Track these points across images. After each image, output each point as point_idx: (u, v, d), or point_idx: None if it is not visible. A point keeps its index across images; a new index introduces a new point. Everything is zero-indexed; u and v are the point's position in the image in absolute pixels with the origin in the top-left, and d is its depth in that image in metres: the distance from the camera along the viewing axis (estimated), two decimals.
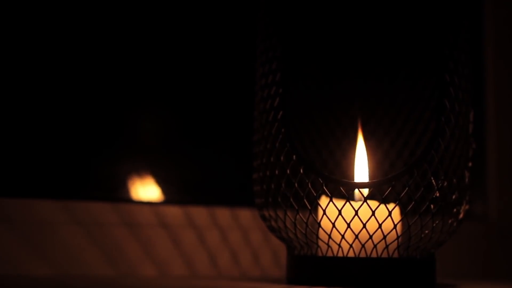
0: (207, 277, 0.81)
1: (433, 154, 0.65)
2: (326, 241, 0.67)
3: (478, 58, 1.09)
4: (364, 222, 0.65)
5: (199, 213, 0.83)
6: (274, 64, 0.68)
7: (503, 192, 1.08)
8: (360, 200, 0.67)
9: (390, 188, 0.64)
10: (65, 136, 0.79)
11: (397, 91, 0.80)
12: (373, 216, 0.65)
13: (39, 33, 0.79)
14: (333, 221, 0.66)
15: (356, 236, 0.65)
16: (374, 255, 0.66)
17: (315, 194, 0.65)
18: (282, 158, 0.67)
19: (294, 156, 0.66)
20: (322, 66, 0.81)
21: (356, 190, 0.68)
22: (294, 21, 0.73)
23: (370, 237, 0.65)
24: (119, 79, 0.83)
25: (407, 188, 0.65)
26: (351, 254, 0.66)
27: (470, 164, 0.70)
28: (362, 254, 0.66)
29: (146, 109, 0.86)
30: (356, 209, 0.65)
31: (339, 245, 0.66)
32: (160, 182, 0.85)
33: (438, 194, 0.66)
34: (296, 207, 0.66)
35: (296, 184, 0.66)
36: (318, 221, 0.67)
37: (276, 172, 0.67)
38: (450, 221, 0.68)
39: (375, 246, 0.65)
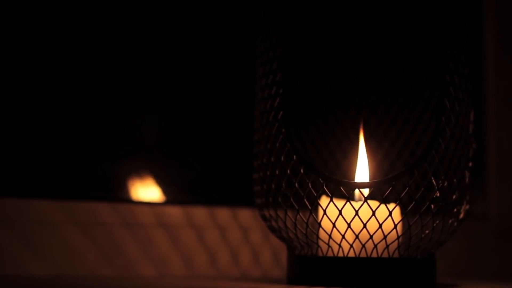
0: (207, 277, 0.81)
1: (434, 154, 0.65)
2: (327, 241, 0.67)
3: (478, 58, 1.09)
4: (365, 222, 0.65)
5: (199, 213, 0.83)
6: (274, 64, 0.68)
7: (503, 192, 1.08)
8: (360, 200, 0.67)
9: (390, 188, 0.64)
10: (64, 135, 0.79)
11: (397, 91, 0.80)
12: (373, 216, 0.65)
13: (39, 32, 0.79)
14: (333, 221, 0.66)
15: (357, 236, 0.65)
16: (374, 255, 0.66)
17: (315, 194, 0.65)
18: (282, 158, 0.66)
19: (294, 156, 0.66)
20: (322, 66, 0.81)
21: (357, 190, 0.68)
22: (294, 21, 0.73)
23: (371, 237, 0.65)
24: (119, 78, 0.83)
25: (407, 188, 0.65)
26: (351, 254, 0.66)
27: (470, 164, 0.70)
28: (363, 254, 0.66)
29: (146, 108, 0.86)
30: (357, 209, 0.65)
31: (340, 245, 0.66)
32: (160, 182, 0.85)
33: (438, 194, 0.66)
34: (297, 207, 0.66)
35: (296, 184, 0.66)
36: (319, 221, 0.67)
37: (277, 172, 0.67)
38: (450, 221, 0.68)
39: (375, 246, 0.65)
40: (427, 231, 0.66)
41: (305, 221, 0.66)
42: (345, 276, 0.66)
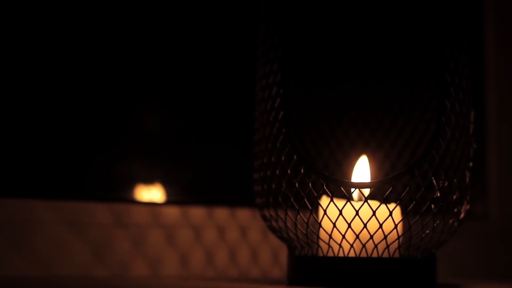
0: (206, 277, 0.81)
1: (434, 154, 0.65)
2: (327, 241, 0.67)
3: (478, 58, 1.09)
4: (365, 222, 0.65)
5: (198, 212, 0.83)
6: (275, 65, 0.68)
7: (503, 192, 1.08)
8: (361, 200, 0.67)
9: (391, 188, 0.64)
10: (62, 135, 0.79)
11: (397, 92, 0.80)
12: (374, 216, 0.65)
13: (39, 32, 0.79)
14: (334, 221, 0.66)
15: (357, 236, 0.65)
16: (375, 255, 0.66)
17: (316, 194, 0.65)
18: (283, 158, 0.67)
19: (295, 156, 0.66)
20: (323, 66, 0.81)
21: (357, 190, 0.68)
22: (295, 21, 0.73)
23: (371, 237, 0.65)
24: (119, 78, 0.83)
25: (408, 188, 0.65)
26: (352, 254, 0.66)
27: (471, 164, 0.70)
28: (363, 254, 0.66)
29: (145, 109, 0.86)
30: (357, 209, 0.65)
31: (340, 245, 0.66)
32: (158, 181, 0.85)
33: (439, 194, 0.66)
34: (297, 207, 0.66)
35: (297, 184, 0.66)
36: (319, 221, 0.67)
37: (277, 172, 0.67)
38: (451, 221, 0.68)
39: (376, 246, 0.65)
40: (427, 231, 0.66)
41: (306, 221, 0.66)
42: (345, 276, 0.66)
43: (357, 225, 0.65)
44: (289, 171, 0.66)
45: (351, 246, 0.66)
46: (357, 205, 0.65)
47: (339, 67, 0.81)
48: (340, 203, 0.65)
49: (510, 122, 1.10)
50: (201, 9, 0.88)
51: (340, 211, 0.65)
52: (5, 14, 0.77)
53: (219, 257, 0.84)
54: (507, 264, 1.06)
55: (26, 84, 0.78)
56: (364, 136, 0.80)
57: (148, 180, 0.84)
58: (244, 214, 0.86)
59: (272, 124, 0.67)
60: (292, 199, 0.66)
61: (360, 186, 0.66)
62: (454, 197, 0.67)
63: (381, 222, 0.65)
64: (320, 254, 0.67)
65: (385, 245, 0.65)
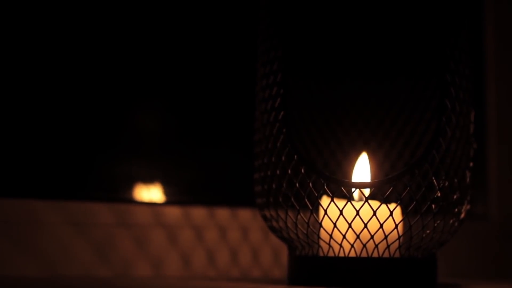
0: (207, 277, 0.81)
1: (434, 154, 0.65)
2: (328, 241, 0.67)
3: (479, 58, 1.09)
4: (366, 222, 0.65)
5: (199, 213, 0.83)
6: (275, 65, 0.68)
7: (504, 192, 1.08)
8: (361, 200, 0.67)
9: (391, 188, 0.64)
10: (63, 135, 0.79)
11: (398, 92, 0.80)
12: (374, 216, 0.65)
13: (39, 32, 0.79)
14: (334, 221, 0.66)
15: (358, 236, 0.65)
16: (375, 255, 0.66)
17: (316, 194, 0.65)
18: (283, 158, 0.67)
19: (295, 156, 0.66)
20: (323, 67, 0.81)
21: (357, 190, 0.68)
22: (295, 21, 0.73)
23: (372, 237, 0.65)
24: (118, 78, 0.83)
25: (408, 188, 0.65)
26: (352, 254, 0.66)
27: (471, 164, 0.70)
28: (364, 254, 0.66)
29: (146, 108, 0.86)
30: (358, 209, 0.65)
31: (341, 245, 0.66)
32: (160, 182, 0.85)
33: (439, 194, 0.66)
34: (297, 207, 0.66)
35: (297, 184, 0.66)
36: (319, 221, 0.67)
37: (278, 172, 0.67)
38: (451, 221, 0.68)
39: (376, 246, 0.65)
40: (428, 231, 0.66)
41: (306, 221, 0.66)
42: (346, 276, 0.66)
43: (357, 225, 0.65)
44: (289, 171, 0.66)
45: (352, 246, 0.66)
46: (357, 205, 0.65)
47: (340, 67, 0.81)
48: (340, 203, 0.65)
49: (510, 122, 1.10)
50: (201, 9, 0.88)
51: (341, 211, 0.65)
52: (6, 14, 0.77)
53: (220, 257, 0.84)
54: (507, 264, 1.06)
55: (30, 88, 0.78)
56: (365, 136, 0.80)
57: (150, 181, 0.84)
58: (245, 214, 0.86)
59: (273, 124, 0.67)
60: (292, 199, 0.66)
61: (360, 186, 0.66)
62: (455, 197, 0.67)
63: (381, 222, 0.65)
64: (321, 254, 0.67)
65: (385, 245, 0.65)
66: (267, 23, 0.69)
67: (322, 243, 0.67)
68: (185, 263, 0.82)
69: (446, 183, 0.66)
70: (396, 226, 0.65)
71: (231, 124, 0.89)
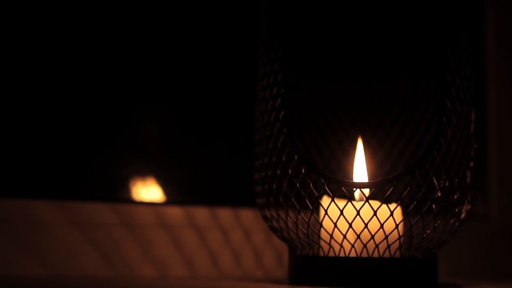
0: (209, 277, 0.81)
1: (435, 154, 0.65)
2: (328, 241, 0.67)
3: (479, 58, 1.09)
4: (366, 222, 0.65)
5: (201, 213, 0.83)
6: (275, 65, 0.68)
7: (504, 192, 1.08)
8: (361, 200, 0.67)
9: (391, 188, 0.64)
10: (64, 135, 0.79)
11: (398, 92, 0.80)
12: (375, 216, 0.65)
13: (39, 32, 0.79)
14: (335, 221, 0.66)
15: (358, 236, 0.65)
16: (376, 255, 0.66)
17: (316, 194, 0.65)
18: (283, 158, 0.67)
19: (296, 156, 0.66)
20: (323, 66, 0.81)
21: (358, 190, 0.68)
22: (295, 21, 0.73)
23: (372, 237, 0.65)
24: (119, 78, 0.83)
25: (409, 188, 0.65)
26: (353, 254, 0.66)
27: (471, 164, 0.70)
28: (364, 254, 0.66)
29: (147, 108, 0.86)
30: (358, 209, 0.65)
31: (341, 245, 0.66)
32: (161, 182, 0.85)
33: (439, 194, 0.66)
34: (298, 207, 0.66)
35: (297, 184, 0.66)
36: (320, 221, 0.67)
37: (278, 172, 0.67)
38: (452, 221, 0.68)
39: (377, 246, 0.65)
40: (428, 231, 0.66)
41: (307, 221, 0.66)
42: (346, 276, 0.66)
43: (358, 225, 0.65)
44: (290, 171, 0.66)
45: (352, 246, 0.66)
46: (358, 205, 0.65)
47: (340, 66, 0.81)
48: (341, 203, 0.65)
49: (511, 122, 1.10)
50: (201, 9, 0.88)
51: (341, 211, 0.65)
52: (6, 14, 0.77)
53: (222, 258, 0.84)
54: (508, 264, 1.06)
55: (31, 88, 0.78)
56: (365, 136, 0.80)
57: (151, 180, 0.84)
58: (247, 215, 0.86)
59: (273, 124, 0.67)
60: (293, 199, 0.66)
61: (361, 186, 0.66)
62: (455, 197, 0.67)
63: (382, 222, 0.65)
64: (321, 254, 0.67)
65: (386, 245, 0.65)
66: (267, 23, 0.69)
67: (322, 243, 0.67)
68: (187, 263, 0.82)
69: (447, 183, 0.66)
70: (397, 226, 0.65)
71: (232, 124, 0.89)
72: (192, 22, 0.87)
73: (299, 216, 0.67)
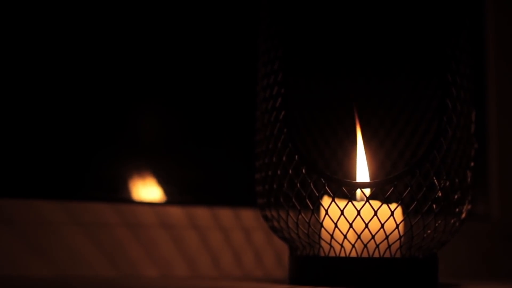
0: (209, 277, 0.81)
1: (435, 154, 0.65)
2: (329, 241, 0.67)
3: (479, 57, 1.09)
4: (367, 222, 0.65)
5: (201, 213, 0.83)
6: (276, 64, 0.68)
7: (505, 192, 1.08)
8: (362, 200, 0.67)
9: (392, 188, 0.64)
10: (65, 136, 0.79)
11: (399, 91, 0.80)
12: (375, 216, 0.65)
13: (38, 32, 0.79)
14: (335, 221, 0.66)
15: (359, 236, 0.65)
16: (376, 255, 0.66)
17: (317, 194, 0.65)
18: (284, 158, 0.67)
19: (296, 156, 0.66)
20: (324, 66, 0.81)
21: (358, 190, 0.68)
22: (296, 21, 0.73)
23: (373, 237, 0.65)
24: (120, 78, 0.83)
25: (409, 188, 0.65)
26: (353, 254, 0.66)
27: (472, 164, 0.70)
28: (365, 254, 0.66)
29: (148, 108, 0.86)
30: (359, 209, 0.65)
31: (342, 245, 0.66)
32: (162, 182, 0.85)
33: (440, 194, 0.66)
34: (298, 207, 0.66)
35: (298, 184, 0.66)
36: (321, 221, 0.67)
37: (278, 172, 0.67)
38: (452, 221, 0.68)
39: (377, 246, 0.65)
40: (429, 231, 0.66)
41: (307, 221, 0.66)
42: (347, 276, 0.66)
43: (358, 225, 0.65)
44: (290, 171, 0.66)
45: (353, 246, 0.66)
46: (358, 205, 0.65)
47: (341, 66, 0.81)
48: (341, 203, 0.65)
49: (511, 121, 1.10)
50: (201, 9, 0.88)
51: (342, 211, 0.65)
52: (5, 14, 0.77)
53: (223, 258, 0.84)
54: (508, 264, 1.06)
55: (33, 89, 0.78)
56: (366, 136, 0.80)
57: (152, 181, 0.84)
58: (248, 215, 0.86)
59: (273, 124, 0.67)
60: (293, 199, 0.66)
61: (361, 186, 0.66)
62: (456, 197, 0.67)
63: (382, 222, 0.65)
64: (322, 254, 0.67)
65: (386, 245, 0.65)
66: (267, 23, 0.69)
67: (323, 243, 0.67)
68: (188, 263, 0.82)
69: (447, 183, 0.66)
70: (397, 226, 0.65)
71: (233, 124, 0.89)
72: (192, 21, 0.87)
73: (300, 216, 0.67)
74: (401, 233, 0.66)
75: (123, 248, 0.79)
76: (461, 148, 0.67)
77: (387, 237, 0.65)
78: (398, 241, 0.66)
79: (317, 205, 0.67)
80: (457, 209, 0.68)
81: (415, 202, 0.65)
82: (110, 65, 0.82)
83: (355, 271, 0.66)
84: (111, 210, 0.79)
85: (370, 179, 0.72)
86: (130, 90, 0.83)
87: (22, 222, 0.74)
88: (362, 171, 0.72)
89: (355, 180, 0.72)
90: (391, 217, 0.65)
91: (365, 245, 0.65)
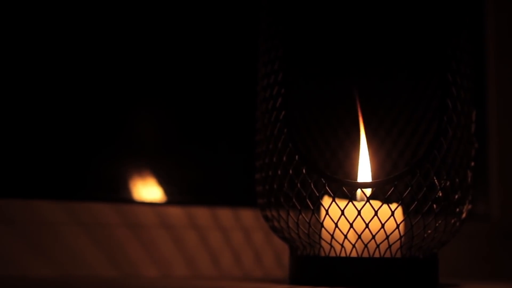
0: (209, 277, 0.81)
1: (436, 154, 0.65)
2: (329, 241, 0.67)
3: (480, 57, 1.09)
4: (367, 222, 0.65)
5: (201, 213, 0.83)
6: (276, 64, 0.68)
7: (505, 192, 1.08)
8: (362, 200, 0.67)
9: (392, 188, 0.64)
10: (66, 136, 0.79)
11: (399, 91, 0.80)
12: (375, 216, 0.65)
13: (38, 33, 0.79)
14: (335, 221, 0.66)
15: (359, 236, 0.65)
16: (377, 255, 0.66)
17: (317, 194, 0.65)
18: (284, 158, 0.66)
19: (296, 156, 0.66)
20: (324, 66, 0.81)
21: (359, 190, 0.68)
22: (296, 21, 0.73)
23: (373, 237, 0.65)
24: (120, 78, 0.83)
25: (409, 188, 0.65)
26: (353, 254, 0.66)
27: (472, 163, 0.70)
28: (365, 254, 0.66)
29: (148, 108, 0.86)
30: (359, 209, 0.65)
31: (342, 245, 0.66)
32: (162, 182, 0.85)
33: (440, 194, 0.66)
34: (299, 207, 0.66)
35: (298, 184, 0.66)
36: (321, 221, 0.67)
37: (279, 172, 0.67)
38: (452, 220, 0.68)
39: (378, 246, 0.65)
40: (429, 231, 0.66)
41: (308, 221, 0.66)
42: (347, 276, 0.66)
43: (359, 225, 0.65)
44: (290, 171, 0.66)
45: (353, 246, 0.66)
46: (359, 205, 0.65)
47: (341, 66, 0.81)
48: (342, 203, 0.65)
49: (511, 121, 1.10)
50: (202, 9, 0.88)
51: (342, 211, 0.65)
52: (4, 15, 0.77)
53: (222, 258, 0.84)
54: (509, 264, 1.06)
55: (33, 90, 0.78)
56: (366, 136, 0.80)
57: (152, 181, 0.84)
58: (247, 215, 0.86)
59: (274, 124, 0.67)
60: (294, 199, 0.66)
61: (362, 186, 0.66)
62: (456, 197, 0.67)
63: (383, 222, 0.65)
64: (322, 254, 0.67)
65: (387, 245, 0.65)
66: (268, 23, 0.69)
67: (323, 243, 0.67)
68: (188, 263, 0.82)
69: (448, 183, 0.66)
70: (398, 226, 0.65)
71: (232, 124, 0.89)
72: (192, 21, 0.87)
73: (300, 216, 0.66)
74: (402, 233, 0.66)
75: (123, 248, 0.79)
76: (461, 148, 0.67)
77: (387, 237, 0.65)
78: (399, 241, 0.66)
79: (318, 205, 0.67)
80: (457, 209, 0.68)
81: (416, 202, 0.65)
82: (110, 65, 0.82)
83: (355, 271, 0.66)
84: (111, 210, 0.79)
85: (371, 179, 0.72)
86: (130, 90, 0.83)
87: (23, 222, 0.74)
88: (365, 171, 0.72)
89: (356, 180, 0.72)
90: (392, 217, 0.65)
91: (366, 245, 0.65)
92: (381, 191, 0.66)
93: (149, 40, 0.85)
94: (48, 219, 0.75)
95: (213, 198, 0.86)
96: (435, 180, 0.65)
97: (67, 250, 0.76)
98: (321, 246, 0.67)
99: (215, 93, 0.88)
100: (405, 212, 0.67)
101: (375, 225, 0.65)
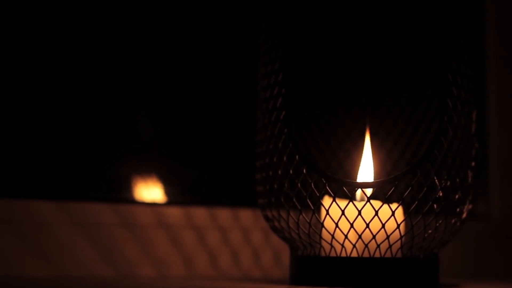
0: (208, 277, 0.81)
1: (436, 154, 0.65)
2: (329, 241, 0.66)
3: (480, 57, 1.09)
4: (367, 222, 0.65)
5: (200, 213, 0.83)
6: (276, 64, 0.68)
7: (505, 192, 1.08)
8: (363, 200, 0.67)
9: (393, 188, 0.64)
10: (64, 136, 0.79)
11: (399, 91, 0.80)
12: (376, 216, 0.65)
13: (37, 33, 0.78)
14: (336, 221, 0.65)
15: (360, 236, 0.65)
16: (377, 255, 0.66)
17: (318, 194, 0.65)
18: (285, 158, 0.66)
19: (297, 156, 0.66)
20: (324, 66, 0.81)
21: (359, 190, 0.68)
22: (296, 21, 0.73)
23: (374, 237, 0.65)
24: (119, 77, 0.83)
25: (410, 188, 0.65)
26: (354, 254, 0.66)
27: (473, 163, 0.70)
28: (365, 254, 0.66)
29: (147, 108, 0.85)
30: (359, 209, 0.65)
31: (342, 245, 0.66)
32: (161, 182, 0.84)
33: (441, 194, 0.66)
34: (299, 207, 0.66)
35: (299, 184, 0.66)
36: (321, 221, 0.67)
37: (279, 172, 0.67)
38: (453, 220, 0.68)
39: (378, 246, 0.65)
40: (430, 231, 0.66)
41: (308, 221, 0.66)
42: (348, 276, 0.66)
43: (359, 225, 0.65)
44: (291, 171, 0.66)
45: (354, 246, 0.66)
46: (359, 205, 0.65)
47: (341, 66, 0.81)
48: (342, 203, 0.65)
49: (511, 121, 1.10)
50: (202, 8, 0.88)
51: (343, 211, 0.65)
52: (3, 15, 0.77)
53: (221, 258, 0.84)
54: (509, 264, 1.06)
55: (32, 90, 0.78)
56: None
57: (151, 181, 0.84)
58: (246, 215, 0.86)
59: (274, 124, 0.67)
60: (294, 199, 0.66)
61: (362, 186, 0.66)
62: (456, 196, 0.67)
63: (383, 222, 0.65)
64: (323, 254, 0.67)
65: (387, 245, 0.65)
66: (268, 23, 0.69)
67: (324, 243, 0.67)
68: (186, 263, 0.82)
69: (448, 183, 0.66)
70: (398, 226, 0.65)
71: (233, 124, 0.89)
72: (192, 21, 0.87)
73: (301, 216, 0.66)
74: (402, 233, 0.66)
75: (121, 248, 0.79)
76: (461, 147, 0.67)
77: (388, 237, 0.65)
78: (399, 241, 0.66)
79: (318, 205, 0.67)
80: (458, 209, 0.68)
81: (416, 202, 0.65)
82: (109, 65, 0.82)
83: (356, 271, 0.66)
84: (109, 210, 0.78)
85: (371, 179, 0.72)
86: (129, 90, 0.83)
87: (21, 223, 0.74)
88: (367, 171, 0.72)
89: (356, 180, 0.72)
90: (392, 217, 0.65)
91: (366, 245, 0.65)
92: (382, 191, 0.66)
93: (150, 40, 0.85)
94: (46, 219, 0.75)
95: (211, 198, 0.86)
96: (436, 180, 0.65)
97: (64, 250, 0.76)
98: (321, 246, 0.67)
99: (215, 93, 0.88)
100: (405, 212, 0.67)
101: (375, 225, 0.65)
